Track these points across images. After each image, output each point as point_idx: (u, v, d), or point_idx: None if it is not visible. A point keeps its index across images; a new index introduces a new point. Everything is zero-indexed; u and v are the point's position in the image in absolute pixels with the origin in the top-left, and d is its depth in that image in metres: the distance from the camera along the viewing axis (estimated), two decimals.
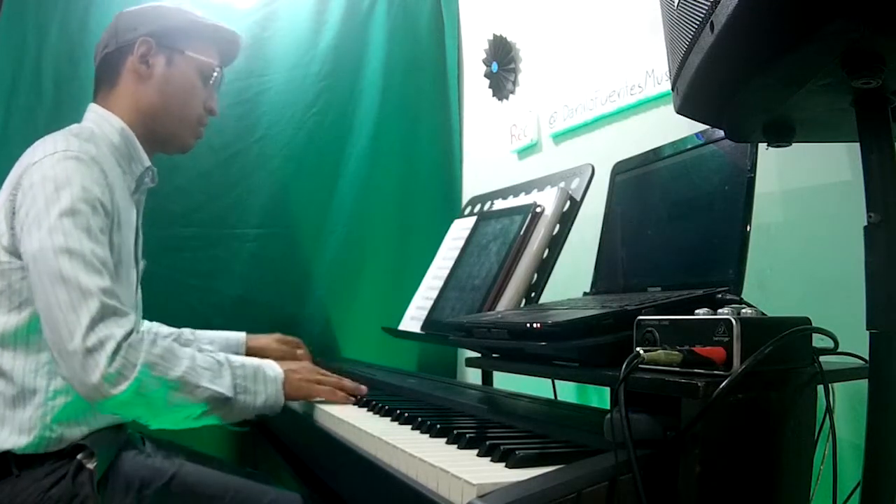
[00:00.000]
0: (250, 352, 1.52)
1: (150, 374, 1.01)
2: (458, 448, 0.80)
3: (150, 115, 1.26)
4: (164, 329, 1.51)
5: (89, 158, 1.11)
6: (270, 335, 1.57)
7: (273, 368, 1.17)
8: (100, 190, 1.10)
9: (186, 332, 1.52)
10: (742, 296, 0.84)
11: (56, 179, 1.07)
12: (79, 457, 1.09)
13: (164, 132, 1.29)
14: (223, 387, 1.09)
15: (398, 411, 1.02)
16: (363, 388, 1.23)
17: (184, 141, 1.32)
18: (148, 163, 1.28)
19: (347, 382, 1.23)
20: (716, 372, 0.66)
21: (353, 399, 1.20)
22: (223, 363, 1.12)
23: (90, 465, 1.08)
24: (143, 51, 1.25)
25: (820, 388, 0.73)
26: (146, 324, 1.51)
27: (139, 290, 1.34)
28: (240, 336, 1.55)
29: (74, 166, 1.09)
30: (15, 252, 1.09)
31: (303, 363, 1.30)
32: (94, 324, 0.99)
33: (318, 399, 1.20)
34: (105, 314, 1.00)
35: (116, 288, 1.06)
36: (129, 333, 1.02)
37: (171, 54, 1.27)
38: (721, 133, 0.94)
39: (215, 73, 1.32)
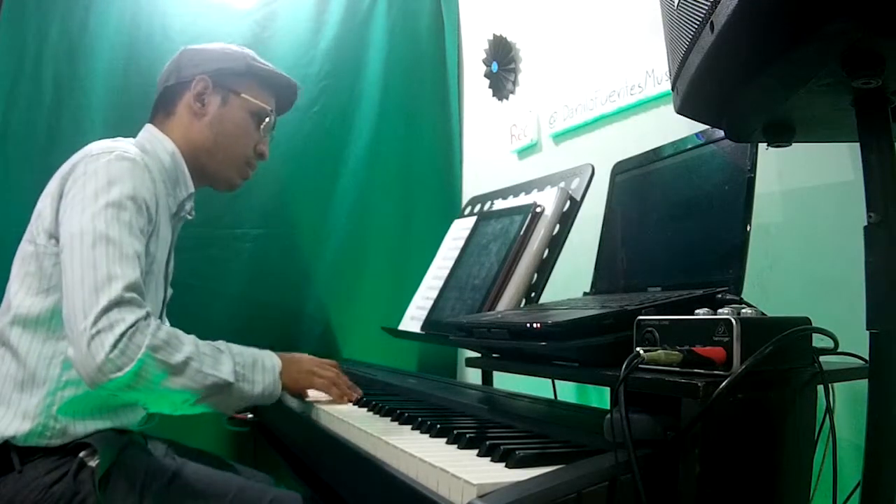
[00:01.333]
0: None
1: (153, 357, 1.01)
2: (458, 448, 0.80)
3: (200, 151, 1.30)
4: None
5: (144, 165, 1.15)
6: (302, 355, 1.40)
7: (271, 358, 1.19)
8: (148, 195, 1.14)
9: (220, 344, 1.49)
10: (742, 296, 0.84)
11: (109, 174, 1.10)
12: (81, 454, 1.09)
13: (211, 169, 1.33)
14: (224, 373, 1.10)
15: (398, 411, 1.02)
16: (359, 391, 1.24)
17: (230, 180, 1.37)
18: (192, 189, 1.31)
19: (344, 380, 1.24)
20: (716, 372, 0.66)
21: (346, 399, 1.21)
22: (223, 350, 1.13)
23: (92, 463, 1.08)
24: (200, 89, 1.29)
25: (820, 388, 0.73)
26: None
27: (164, 313, 1.35)
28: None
29: (130, 167, 1.12)
30: (54, 235, 1.12)
31: (301, 355, 1.30)
32: (108, 308, 1.00)
33: (315, 396, 1.21)
34: (122, 302, 1.02)
35: (143, 287, 1.07)
36: (139, 320, 1.02)
37: (226, 95, 1.31)
38: (721, 133, 0.94)
39: (268, 119, 1.35)
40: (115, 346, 0.98)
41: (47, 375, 1.10)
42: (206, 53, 1.33)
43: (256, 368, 1.16)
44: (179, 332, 1.09)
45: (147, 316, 1.04)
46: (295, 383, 1.21)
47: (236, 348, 1.16)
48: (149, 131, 1.30)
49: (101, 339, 0.98)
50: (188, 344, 1.08)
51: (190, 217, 1.36)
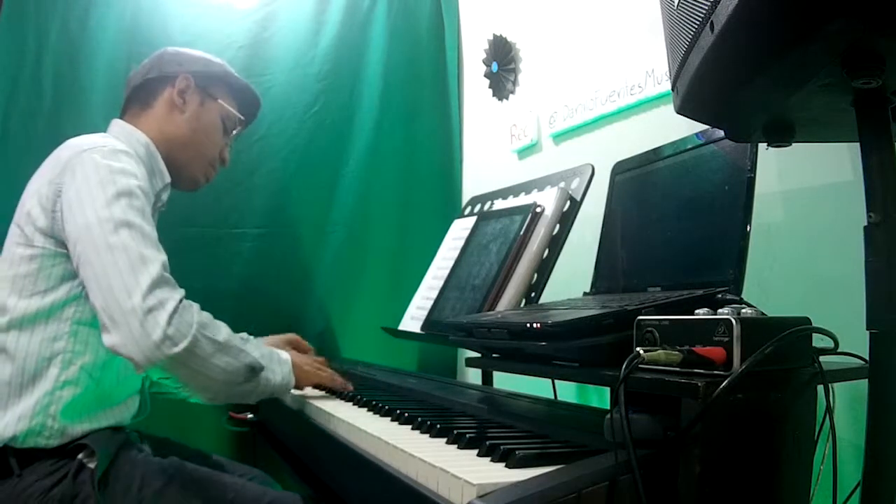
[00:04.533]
0: None
1: (203, 334, 1.05)
2: (459, 448, 0.80)
3: (174, 144, 1.33)
4: None
5: (136, 155, 1.20)
6: (280, 336, 1.53)
7: (282, 353, 1.25)
8: (146, 185, 1.16)
9: None
10: (742, 296, 0.84)
11: (111, 167, 1.12)
12: (79, 456, 1.09)
13: (180, 164, 1.35)
14: (257, 356, 1.14)
15: (398, 411, 1.02)
16: (350, 385, 1.31)
17: (195, 177, 1.39)
18: (168, 179, 1.34)
19: (338, 376, 1.33)
20: (716, 372, 0.66)
21: (349, 388, 1.30)
22: (246, 339, 1.19)
23: (91, 465, 1.09)
24: (183, 86, 1.34)
25: (820, 388, 0.73)
26: None
27: None
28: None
29: (126, 159, 1.15)
30: (52, 235, 1.12)
31: (297, 353, 1.36)
32: (153, 287, 1.02)
33: (315, 392, 1.28)
34: (162, 282, 1.04)
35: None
36: (183, 298, 1.06)
37: (204, 97, 1.36)
38: (721, 133, 0.94)
39: (237, 127, 1.42)
40: (169, 322, 1.00)
41: (46, 376, 1.10)
42: (188, 55, 1.38)
43: (273, 359, 1.20)
44: (212, 317, 1.12)
45: (185, 295, 1.07)
46: (305, 376, 1.26)
47: (254, 340, 1.23)
48: (119, 126, 1.32)
49: (155, 316, 1.00)
50: (224, 327, 1.11)
51: (163, 209, 1.37)
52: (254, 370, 1.13)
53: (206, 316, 1.08)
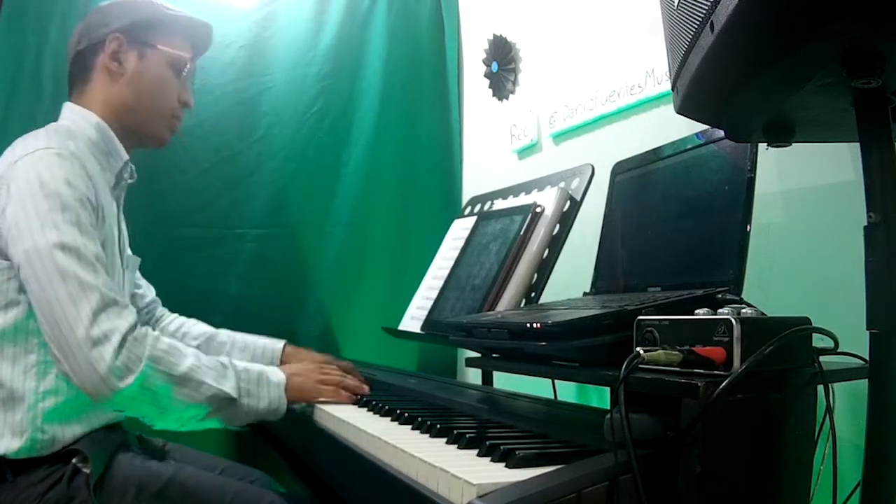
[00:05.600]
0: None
1: (155, 368, 1.01)
2: (459, 448, 0.80)
3: (124, 111, 1.25)
4: (199, 328, 1.49)
5: (70, 154, 1.10)
6: (311, 356, 1.44)
7: (276, 374, 1.18)
8: (84, 185, 1.09)
9: (223, 333, 1.48)
10: (742, 296, 0.84)
11: (41, 177, 1.06)
12: (74, 461, 1.07)
13: (138, 127, 1.28)
14: (228, 387, 1.09)
15: (398, 411, 1.02)
16: (365, 387, 1.24)
17: (159, 135, 1.31)
18: (126, 157, 1.27)
19: (350, 381, 1.24)
20: (716, 372, 0.66)
21: (356, 397, 1.21)
22: (227, 366, 1.12)
23: (86, 469, 1.06)
24: (114, 48, 1.24)
25: (820, 388, 0.73)
26: (181, 319, 1.52)
27: (126, 285, 1.33)
28: (276, 345, 1.47)
29: (58, 163, 1.08)
30: (1, 252, 1.08)
31: (305, 364, 1.29)
32: (95, 316, 0.99)
33: (322, 400, 1.20)
34: (105, 306, 1.00)
35: (114, 284, 1.05)
36: (134, 326, 1.01)
37: (142, 49, 1.26)
38: (721, 133, 0.94)
39: (188, 66, 1.31)
40: (115, 356, 0.97)
41: (24, 389, 1.07)
42: (113, 10, 1.27)
43: (262, 383, 1.14)
44: (180, 345, 1.09)
45: (137, 322, 1.03)
46: (301, 394, 1.19)
47: (241, 364, 1.15)
48: (68, 109, 1.25)
49: (101, 351, 0.97)
50: (190, 356, 1.07)
51: (132, 181, 1.31)
52: (227, 400, 1.09)
53: (165, 346, 1.04)
